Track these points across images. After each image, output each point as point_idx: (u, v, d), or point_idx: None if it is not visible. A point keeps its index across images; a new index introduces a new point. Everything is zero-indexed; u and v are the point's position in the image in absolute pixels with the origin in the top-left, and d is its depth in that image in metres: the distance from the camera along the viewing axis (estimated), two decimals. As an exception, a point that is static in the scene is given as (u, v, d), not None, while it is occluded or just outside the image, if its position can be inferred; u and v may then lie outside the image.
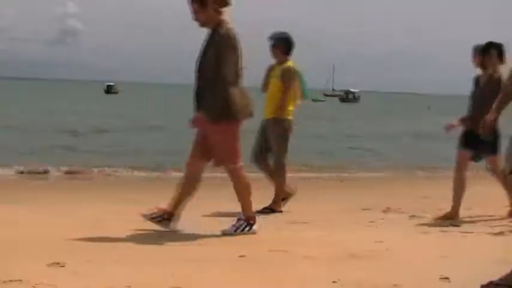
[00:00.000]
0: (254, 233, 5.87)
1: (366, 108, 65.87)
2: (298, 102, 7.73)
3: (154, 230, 6.11)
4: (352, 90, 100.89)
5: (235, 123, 5.76)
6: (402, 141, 25.57)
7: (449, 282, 4.22)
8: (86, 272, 4.27)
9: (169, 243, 5.46)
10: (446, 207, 7.83)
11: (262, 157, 7.74)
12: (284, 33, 7.77)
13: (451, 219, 6.99)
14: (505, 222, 6.90)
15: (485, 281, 4.33)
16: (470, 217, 7.28)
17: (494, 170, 7.29)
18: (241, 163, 5.89)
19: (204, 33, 5.85)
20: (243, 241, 5.56)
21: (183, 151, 6.60)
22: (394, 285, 4.08)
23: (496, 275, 4.51)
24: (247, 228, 5.88)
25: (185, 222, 5.93)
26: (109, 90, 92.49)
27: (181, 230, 5.86)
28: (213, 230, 6.02)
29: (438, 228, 6.46)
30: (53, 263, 4.43)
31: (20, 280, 3.96)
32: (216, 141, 5.78)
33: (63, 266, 4.39)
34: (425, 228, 6.45)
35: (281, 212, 7.56)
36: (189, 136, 6.29)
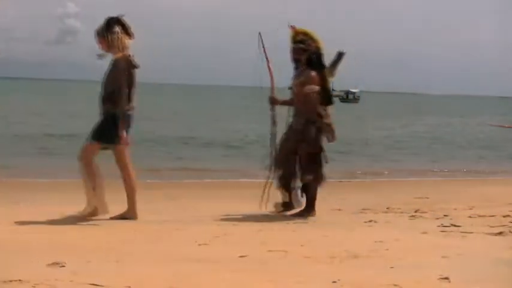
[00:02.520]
0: None
1: (365, 109, 65.88)
2: None
3: (154, 230, 6.11)
4: (352, 90, 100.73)
5: None
6: (401, 144, 25.50)
7: (449, 282, 4.21)
8: (86, 272, 4.27)
9: (169, 243, 5.46)
10: (446, 207, 7.84)
11: None
12: None
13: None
14: (505, 222, 6.90)
15: (485, 281, 4.34)
16: (470, 217, 7.28)
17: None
18: None
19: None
20: (243, 241, 5.56)
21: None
22: (394, 285, 4.08)
23: (496, 275, 4.52)
24: None
25: None
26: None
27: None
28: (213, 231, 6.02)
29: (438, 228, 6.45)
30: (53, 263, 4.43)
31: (20, 280, 3.96)
32: None
33: (63, 266, 4.39)
34: (425, 228, 6.45)
35: None
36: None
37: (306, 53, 7.09)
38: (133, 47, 6.63)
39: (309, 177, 7.10)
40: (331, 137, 7.15)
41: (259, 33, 7.27)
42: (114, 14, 6.63)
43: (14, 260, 4.61)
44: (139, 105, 6.88)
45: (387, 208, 7.91)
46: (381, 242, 5.54)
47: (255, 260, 4.78)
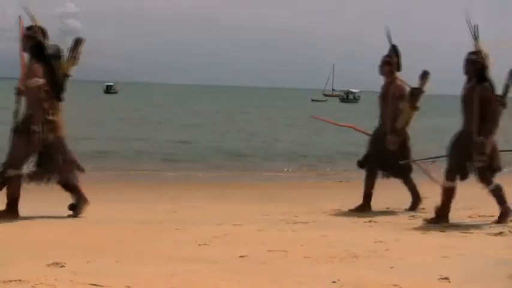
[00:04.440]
0: None
1: (365, 109, 65.87)
2: None
3: (154, 230, 6.11)
4: (352, 90, 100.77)
5: None
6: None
7: (449, 282, 4.21)
8: (86, 272, 4.27)
9: (169, 243, 5.45)
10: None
11: None
12: None
13: None
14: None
15: (485, 281, 4.33)
16: (470, 217, 7.28)
17: None
18: None
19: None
20: (243, 241, 5.56)
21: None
22: (394, 285, 4.08)
23: (496, 275, 4.51)
24: None
25: None
26: (108, 90, 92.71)
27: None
28: (212, 231, 6.02)
29: (438, 228, 6.45)
30: (53, 263, 4.43)
31: (19, 280, 3.96)
32: None
33: (63, 266, 4.39)
34: (425, 228, 6.45)
35: None
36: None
37: (31, 41, 6.55)
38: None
39: (62, 177, 6.69)
40: (52, 135, 6.49)
41: (19, 17, 6.74)
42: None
43: (14, 260, 4.61)
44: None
45: (387, 208, 7.91)
46: (380, 242, 5.54)
47: (255, 260, 4.78)
